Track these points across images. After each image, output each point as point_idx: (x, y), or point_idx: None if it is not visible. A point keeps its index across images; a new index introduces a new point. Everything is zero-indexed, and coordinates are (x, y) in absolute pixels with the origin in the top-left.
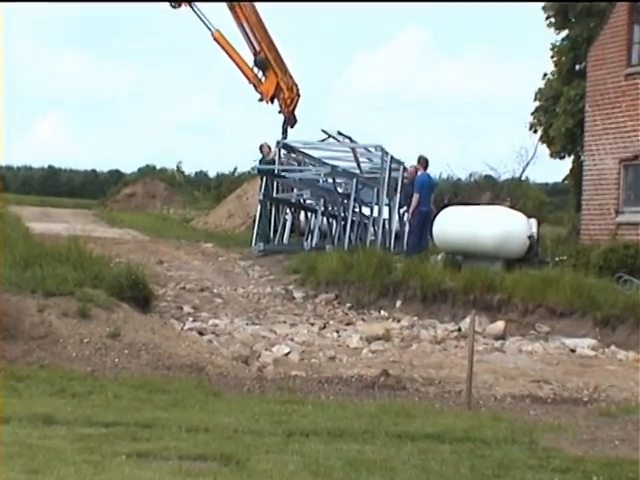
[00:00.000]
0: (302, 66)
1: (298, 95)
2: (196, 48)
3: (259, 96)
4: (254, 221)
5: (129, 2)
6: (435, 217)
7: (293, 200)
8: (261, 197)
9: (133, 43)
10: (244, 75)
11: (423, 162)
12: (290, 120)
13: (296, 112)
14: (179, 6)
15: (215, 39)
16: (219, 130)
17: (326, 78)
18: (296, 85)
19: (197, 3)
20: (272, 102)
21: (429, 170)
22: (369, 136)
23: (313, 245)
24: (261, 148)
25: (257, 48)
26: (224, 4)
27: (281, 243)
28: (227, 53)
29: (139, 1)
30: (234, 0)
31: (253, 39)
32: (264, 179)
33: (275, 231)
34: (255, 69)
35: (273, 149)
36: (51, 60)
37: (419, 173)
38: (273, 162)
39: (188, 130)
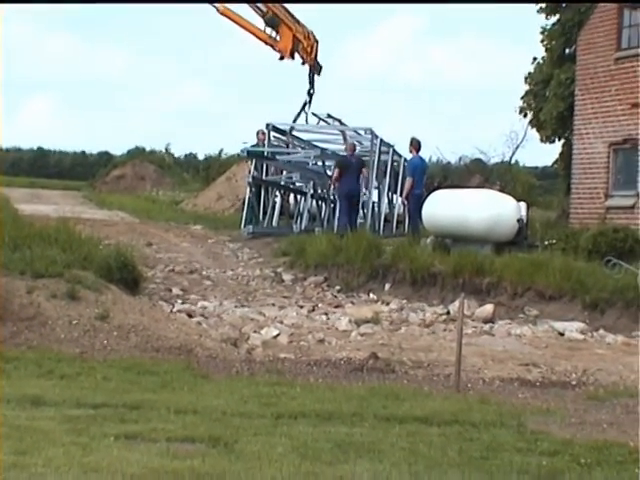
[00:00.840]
0: None
1: (316, 41)
2: (191, 33)
3: (279, 56)
4: (243, 203)
5: None
6: (424, 200)
7: (282, 182)
8: (250, 179)
9: (127, 26)
10: (259, 39)
11: (416, 144)
12: (315, 68)
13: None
14: None
15: (222, 14)
16: (209, 114)
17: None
18: (312, 32)
19: None
20: (293, 57)
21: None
22: (360, 119)
23: (302, 228)
24: (257, 134)
25: (264, 9)
26: None
27: (270, 226)
28: (237, 24)
29: None
30: None
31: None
32: (253, 162)
33: (264, 213)
34: (267, 30)
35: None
36: (42, 42)
37: (411, 156)
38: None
39: (178, 114)
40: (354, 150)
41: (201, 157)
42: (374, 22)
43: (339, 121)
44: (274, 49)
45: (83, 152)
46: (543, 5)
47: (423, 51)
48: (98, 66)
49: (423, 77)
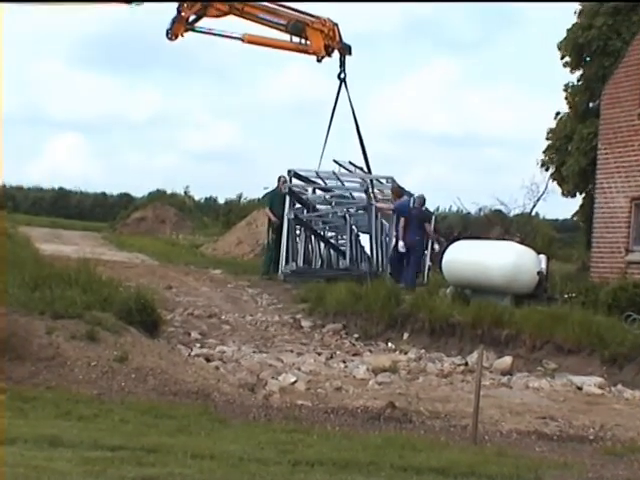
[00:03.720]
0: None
1: (335, 24)
2: (218, 73)
3: (316, 58)
4: (269, 245)
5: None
6: (445, 250)
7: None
8: (291, 216)
9: (160, 65)
10: (291, 51)
11: (397, 191)
12: (344, 50)
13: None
14: (175, 37)
15: (248, 42)
16: (231, 157)
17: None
18: (328, 19)
19: (204, 26)
20: (330, 55)
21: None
22: (385, 167)
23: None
24: (279, 180)
25: (283, 21)
26: (231, 16)
27: (309, 267)
28: (264, 45)
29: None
30: (232, 1)
31: (274, 17)
32: (290, 200)
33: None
34: (295, 39)
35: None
36: (70, 80)
37: (396, 202)
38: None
39: (200, 156)
40: (400, 196)
41: (221, 201)
42: (403, 73)
43: (360, 169)
44: (308, 54)
45: (104, 193)
46: (568, 59)
47: (447, 103)
48: (124, 106)
49: (447, 128)
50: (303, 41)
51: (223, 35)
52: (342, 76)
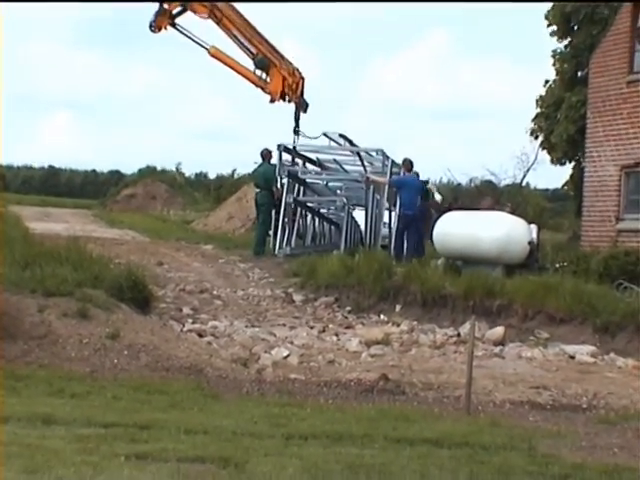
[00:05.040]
0: (319, 70)
1: (302, 78)
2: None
3: (269, 98)
4: (266, 225)
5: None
6: (435, 222)
7: (311, 205)
8: (290, 200)
9: (153, 42)
10: (249, 81)
11: (407, 164)
12: (301, 105)
13: (305, 96)
14: (158, 30)
15: (212, 55)
16: (222, 133)
17: (340, 83)
18: (297, 69)
19: (183, 23)
20: (284, 100)
21: (417, 174)
22: (376, 141)
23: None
24: (262, 153)
25: (253, 50)
26: (210, 21)
27: (303, 246)
28: (228, 66)
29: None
30: (213, 0)
31: (247, 42)
32: (287, 183)
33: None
34: (257, 72)
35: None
36: (61, 59)
37: (405, 174)
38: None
39: (191, 132)
40: (409, 169)
41: (212, 176)
42: (396, 47)
43: (350, 142)
44: (264, 91)
45: (94, 170)
46: (555, 28)
47: (437, 75)
48: (117, 83)
49: (438, 100)
50: (264, 75)
51: (193, 39)
52: (297, 130)
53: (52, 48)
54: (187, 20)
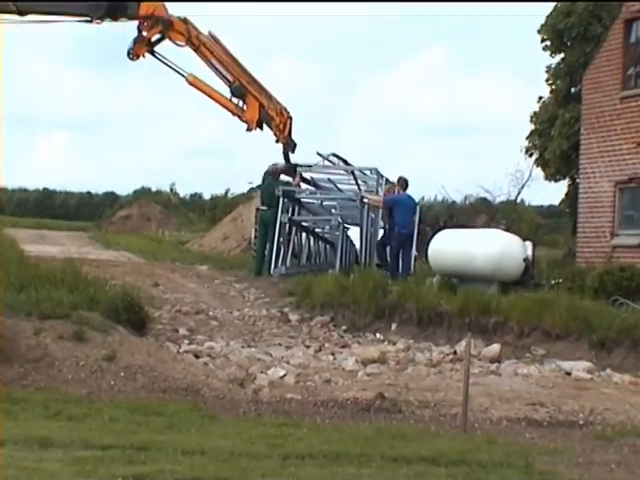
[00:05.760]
0: (313, 87)
1: (290, 118)
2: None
3: (246, 127)
4: (263, 245)
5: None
6: (430, 239)
7: (306, 224)
8: (285, 219)
9: (136, 65)
10: (227, 109)
11: (402, 183)
12: (289, 145)
13: (293, 136)
14: (137, 58)
15: (190, 84)
16: (217, 153)
17: (335, 100)
18: (285, 108)
19: (162, 50)
20: (261, 128)
21: (411, 192)
22: (371, 158)
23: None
24: (268, 170)
25: (230, 78)
26: (187, 48)
27: (299, 265)
28: (205, 94)
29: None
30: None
31: (224, 71)
32: (283, 202)
33: (291, 254)
34: (234, 99)
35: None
36: (55, 80)
37: (399, 193)
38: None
39: (186, 153)
40: (405, 188)
41: (207, 197)
42: (388, 65)
43: (344, 161)
44: (241, 120)
45: (89, 192)
46: (548, 43)
47: (433, 93)
48: (109, 104)
49: (434, 117)
50: (241, 103)
51: (172, 67)
52: (289, 167)
53: (42, 67)
54: (167, 47)
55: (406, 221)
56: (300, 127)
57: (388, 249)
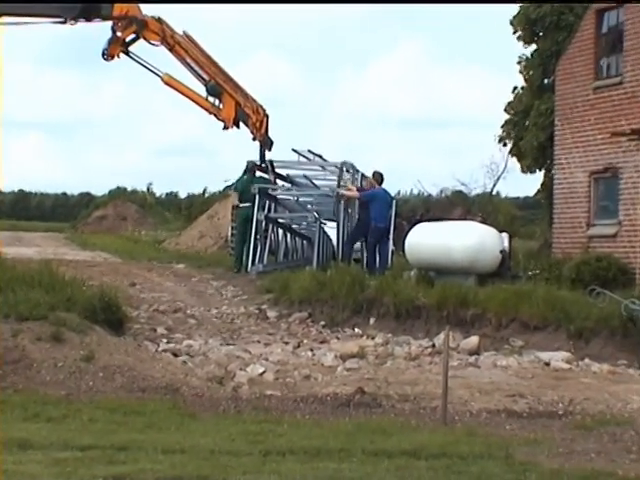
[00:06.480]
0: (290, 84)
1: (266, 116)
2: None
3: (222, 125)
4: (243, 242)
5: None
6: (407, 233)
7: (282, 221)
8: (261, 217)
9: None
10: (203, 108)
11: (377, 177)
12: (266, 143)
13: (270, 133)
14: (111, 58)
15: (166, 83)
16: (194, 152)
17: (312, 97)
18: (261, 106)
19: (137, 50)
20: (237, 126)
21: (386, 186)
22: (347, 153)
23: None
24: (247, 166)
25: (206, 77)
26: (162, 48)
27: (276, 262)
28: (181, 93)
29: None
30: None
31: (200, 70)
32: (259, 199)
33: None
34: (210, 98)
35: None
36: (30, 79)
37: (375, 188)
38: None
39: (161, 151)
40: (380, 182)
41: (183, 196)
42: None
43: (320, 156)
44: (217, 118)
45: (64, 193)
46: (521, 33)
47: (408, 84)
48: (85, 104)
49: (409, 110)
50: (217, 102)
51: (147, 67)
52: (263, 166)
53: (18, 68)
54: (142, 46)
55: (382, 215)
56: (278, 125)
57: (364, 244)
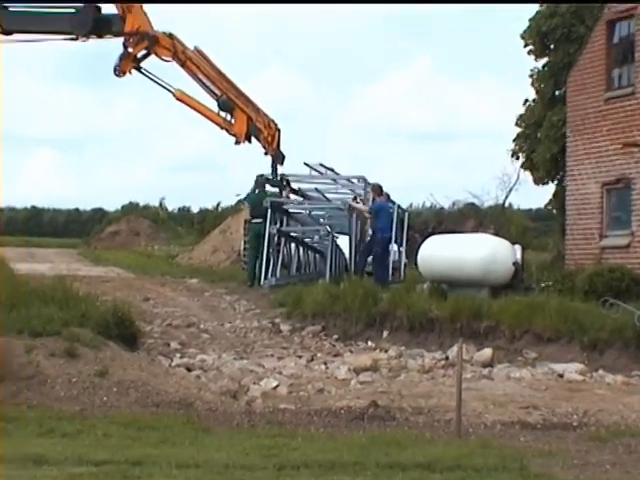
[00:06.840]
0: (302, 99)
1: (278, 130)
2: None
3: (234, 140)
4: (256, 256)
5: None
6: (419, 246)
7: (295, 235)
8: (274, 231)
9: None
10: (214, 123)
11: (377, 189)
12: (278, 158)
13: (281, 147)
14: (123, 74)
15: (178, 99)
16: (206, 167)
17: (324, 111)
18: (273, 121)
19: (148, 65)
20: (249, 141)
21: (398, 199)
22: (360, 166)
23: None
24: (257, 180)
25: (218, 92)
26: (174, 63)
27: (289, 276)
28: (193, 109)
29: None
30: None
31: (211, 85)
32: (271, 213)
33: (281, 265)
34: (222, 113)
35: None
36: (39, 98)
37: (377, 200)
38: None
39: (173, 166)
40: (380, 194)
41: (195, 210)
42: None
43: (332, 170)
44: (229, 133)
45: (77, 209)
46: (532, 47)
47: (422, 98)
48: (97, 120)
49: (421, 123)
50: (229, 117)
51: (159, 83)
52: (277, 182)
53: (31, 85)
54: (154, 62)
55: (388, 226)
56: (289, 138)
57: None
